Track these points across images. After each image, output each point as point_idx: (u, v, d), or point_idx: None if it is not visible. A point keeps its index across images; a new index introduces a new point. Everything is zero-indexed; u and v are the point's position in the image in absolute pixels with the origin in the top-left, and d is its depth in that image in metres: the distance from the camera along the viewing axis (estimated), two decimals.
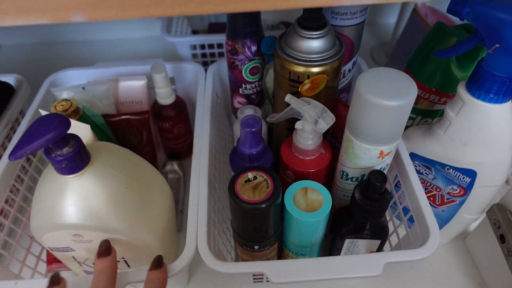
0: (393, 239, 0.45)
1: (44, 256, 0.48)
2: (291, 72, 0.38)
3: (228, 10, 0.25)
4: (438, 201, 0.45)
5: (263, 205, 0.33)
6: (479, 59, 0.35)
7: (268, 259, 0.41)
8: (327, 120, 0.35)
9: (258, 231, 0.37)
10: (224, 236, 0.45)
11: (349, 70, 0.49)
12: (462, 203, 0.43)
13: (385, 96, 0.31)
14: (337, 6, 0.41)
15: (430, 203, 0.38)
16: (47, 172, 0.35)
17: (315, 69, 0.37)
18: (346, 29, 0.43)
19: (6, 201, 0.44)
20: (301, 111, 0.36)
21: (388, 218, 0.43)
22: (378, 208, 0.36)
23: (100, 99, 0.53)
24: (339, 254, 0.42)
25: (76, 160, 0.31)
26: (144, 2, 0.22)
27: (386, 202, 0.36)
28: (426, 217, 0.37)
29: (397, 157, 0.43)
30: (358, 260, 0.34)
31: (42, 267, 0.47)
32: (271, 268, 0.34)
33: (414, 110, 0.49)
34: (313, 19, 0.36)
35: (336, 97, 0.44)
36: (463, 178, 0.40)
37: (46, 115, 0.30)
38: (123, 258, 0.39)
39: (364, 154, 0.36)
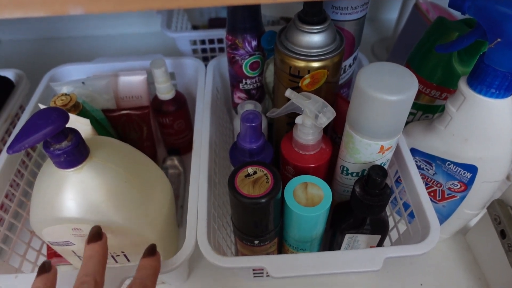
0: (394, 234, 0.45)
1: (44, 251, 0.48)
2: (291, 66, 0.38)
3: (227, 3, 0.25)
4: (439, 197, 0.45)
5: (263, 200, 0.33)
6: (481, 53, 0.34)
7: (268, 254, 0.41)
8: (328, 115, 0.35)
9: (258, 225, 0.37)
10: (224, 231, 0.45)
11: (350, 65, 0.48)
12: (462, 198, 0.43)
13: (385, 91, 0.31)
14: (338, 0, 0.41)
15: (430, 199, 0.38)
16: (46, 166, 0.35)
17: (316, 64, 0.37)
18: (346, 23, 0.43)
19: (6, 196, 0.44)
20: (302, 106, 0.36)
21: (388, 214, 0.43)
22: (379, 203, 0.35)
23: (100, 93, 0.53)
24: (339, 249, 0.42)
25: (75, 154, 0.31)
26: None
27: (387, 197, 0.36)
28: (426, 212, 0.37)
29: (397, 152, 0.43)
30: (358, 255, 0.34)
31: (42, 261, 0.47)
32: (271, 262, 0.34)
33: (415, 106, 0.49)
34: (314, 14, 0.36)
35: (337, 92, 0.44)
36: (464, 173, 0.40)
37: (44, 109, 0.30)
38: (122, 252, 0.39)
39: (365, 149, 0.36)
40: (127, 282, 0.37)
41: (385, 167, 0.39)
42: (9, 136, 0.53)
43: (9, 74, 0.58)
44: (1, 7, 0.21)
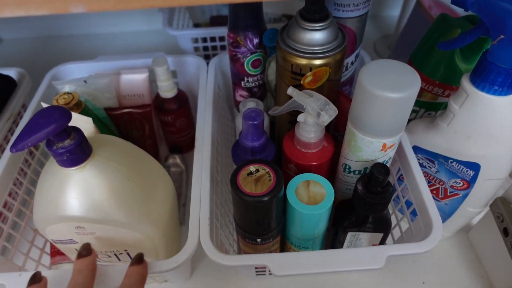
0: (396, 232, 0.45)
1: (47, 249, 0.48)
2: (293, 64, 0.38)
3: (229, 0, 0.25)
4: (441, 195, 0.45)
5: (266, 198, 0.33)
6: (484, 50, 0.34)
7: (270, 252, 0.41)
8: (330, 113, 0.35)
9: (260, 224, 0.37)
10: (227, 229, 0.45)
11: (352, 63, 0.48)
12: (465, 196, 0.43)
13: (388, 88, 0.31)
14: None
15: (433, 197, 0.38)
16: (49, 165, 0.35)
17: (318, 62, 0.37)
18: (348, 21, 0.43)
19: (9, 194, 0.44)
20: (304, 104, 0.36)
21: (390, 212, 0.43)
22: (381, 201, 0.35)
23: (102, 92, 0.53)
24: (341, 247, 0.42)
25: (77, 152, 0.31)
26: None
27: (389, 195, 0.35)
28: (429, 210, 0.37)
29: (400, 150, 0.42)
30: (360, 253, 0.34)
31: (46, 259, 0.47)
32: (274, 260, 0.34)
33: (418, 103, 0.48)
34: (316, 11, 0.36)
35: (339, 90, 0.43)
36: (467, 171, 0.40)
37: (47, 108, 0.30)
38: (125, 250, 0.39)
39: (367, 147, 0.36)
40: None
41: (388, 165, 0.39)
42: (12, 134, 0.53)
43: (12, 73, 0.58)
44: (3, 6, 0.21)
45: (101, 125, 0.49)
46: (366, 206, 0.36)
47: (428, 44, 0.45)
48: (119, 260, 0.41)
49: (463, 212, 0.45)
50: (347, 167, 0.40)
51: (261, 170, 0.35)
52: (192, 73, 0.60)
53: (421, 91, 0.47)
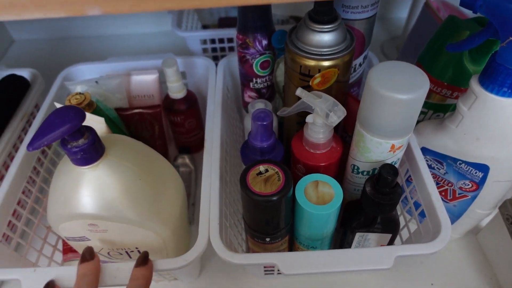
0: (404, 234, 0.45)
1: (60, 246, 0.49)
2: (302, 66, 0.38)
3: (240, 3, 0.25)
4: (450, 196, 0.45)
5: (275, 198, 0.33)
6: (493, 52, 0.34)
7: (279, 251, 0.42)
8: (338, 114, 0.35)
9: (269, 223, 0.37)
10: (235, 228, 0.45)
11: (360, 64, 0.48)
12: (474, 198, 0.43)
13: (397, 90, 0.31)
14: None
15: (441, 198, 0.38)
16: (63, 163, 0.36)
17: (326, 63, 0.37)
18: (357, 22, 0.43)
19: (23, 192, 0.45)
20: (312, 105, 0.36)
21: (399, 213, 0.43)
22: (389, 202, 0.36)
23: (113, 93, 0.54)
24: (349, 248, 0.42)
25: (91, 151, 0.32)
26: None
27: (398, 196, 0.36)
28: (437, 211, 0.37)
29: (408, 151, 0.43)
30: (369, 253, 0.35)
31: (58, 256, 0.48)
32: (283, 259, 0.34)
33: (426, 105, 0.49)
34: (324, 13, 0.36)
35: (347, 91, 0.44)
36: (476, 172, 0.40)
37: (61, 107, 0.31)
38: (136, 248, 0.39)
39: (376, 148, 0.36)
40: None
41: (396, 166, 0.39)
42: (25, 134, 0.55)
43: (25, 73, 0.60)
44: (23, 8, 0.22)
45: (112, 125, 0.50)
46: (374, 206, 0.36)
47: (437, 45, 0.45)
48: (130, 257, 0.41)
49: (471, 214, 0.45)
50: (356, 168, 0.40)
51: (270, 170, 0.35)
52: (201, 74, 0.61)
53: (430, 92, 0.47)
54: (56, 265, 0.47)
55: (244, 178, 0.34)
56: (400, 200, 0.45)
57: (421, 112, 0.49)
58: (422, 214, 0.40)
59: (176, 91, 0.54)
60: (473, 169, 0.40)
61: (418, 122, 0.41)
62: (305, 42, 0.37)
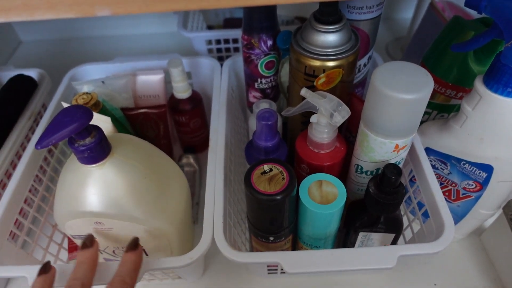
0: (408, 234, 0.45)
1: (65, 244, 0.50)
2: (306, 66, 0.39)
3: (245, 4, 0.26)
4: (454, 196, 0.45)
5: (279, 197, 0.33)
6: (497, 53, 0.34)
7: (282, 250, 0.42)
8: (343, 114, 0.36)
9: (273, 222, 0.37)
10: (239, 227, 0.45)
11: (365, 65, 0.49)
12: (478, 198, 0.43)
13: (401, 89, 0.31)
14: (354, 0, 0.41)
15: (445, 198, 0.38)
16: (70, 162, 0.36)
17: (331, 63, 0.38)
18: (362, 23, 0.43)
19: (29, 191, 0.45)
20: (317, 105, 0.37)
21: (402, 213, 0.44)
22: (393, 202, 0.36)
23: (119, 92, 0.54)
24: (353, 247, 0.43)
25: (98, 150, 0.32)
26: None
27: (401, 195, 0.36)
28: (441, 211, 0.37)
29: (412, 151, 0.43)
30: (372, 252, 0.35)
31: (63, 254, 0.49)
32: (286, 258, 0.35)
33: (430, 105, 0.49)
34: (329, 13, 0.37)
35: (351, 92, 0.44)
36: (479, 173, 0.40)
37: (69, 107, 0.31)
38: (141, 246, 0.40)
39: (379, 148, 0.37)
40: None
41: (400, 166, 0.40)
42: (32, 133, 0.55)
43: (32, 73, 0.60)
44: (35, 9, 0.22)
45: (118, 125, 0.50)
46: (378, 206, 0.37)
47: (441, 46, 0.46)
48: None
49: (475, 214, 0.45)
50: (359, 167, 0.40)
51: (274, 169, 0.35)
52: (206, 75, 0.61)
53: (434, 93, 0.47)
54: (61, 263, 0.48)
55: (249, 177, 0.35)
56: (404, 200, 0.45)
57: (425, 113, 0.49)
58: (426, 215, 0.40)
59: (182, 91, 0.55)
60: (477, 170, 0.40)
61: (422, 122, 0.41)
62: (310, 42, 0.38)
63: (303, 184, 0.37)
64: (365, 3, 0.42)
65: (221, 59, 0.73)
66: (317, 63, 0.38)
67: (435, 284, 0.48)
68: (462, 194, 0.44)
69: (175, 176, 0.41)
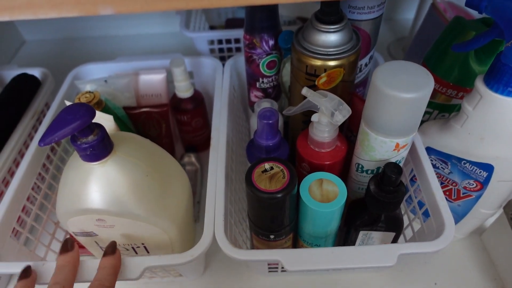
0: (408, 233, 0.45)
1: None
2: (308, 65, 0.39)
3: (248, 3, 0.26)
4: (454, 196, 0.45)
5: (280, 195, 0.33)
6: (498, 52, 0.34)
7: (283, 249, 0.42)
8: (344, 113, 0.36)
9: (274, 220, 0.38)
10: (240, 226, 0.46)
11: (366, 65, 0.49)
12: (478, 197, 0.43)
13: (401, 88, 0.32)
14: (355, 0, 0.42)
15: (446, 198, 0.38)
16: (72, 159, 0.37)
17: (332, 63, 0.38)
18: (363, 23, 0.44)
19: (32, 188, 0.46)
20: (318, 104, 0.37)
21: (403, 212, 0.44)
22: (393, 200, 0.36)
23: (122, 91, 0.55)
24: (353, 246, 0.43)
25: (100, 147, 0.33)
26: None
27: (401, 194, 0.36)
28: (441, 210, 0.37)
29: (413, 151, 0.43)
30: (372, 250, 0.35)
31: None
32: (287, 256, 0.35)
33: (431, 105, 0.49)
34: (331, 13, 0.37)
35: (352, 91, 0.44)
36: (480, 172, 0.40)
37: (72, 105, 0.31)
38: (142, 244, 0.40)
39: (380, 147, 0.37)
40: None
41: (400, 165, 0.40)
42: (35, 132, 0.56)
43: (36, 72, 0.61)
44: (38, 7, 0.22)
45: (120, 123, 0.51)
46: (378, 205, 0.37)
47: (442, 46, 0.46)
48: (136, 253, 0.42)
49: (476, 213, 0.45)
50: (360, 166, 0.41)
51: (275, 167, 0.36)
52: (208, 74, 0.61)
53: (435, 92, 0.47)
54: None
55: (250, 175, 0.35)
56: (404, 199, 0.45)
57: (426, 112, 0.50)
58: (426, 214, 0.40)
59: (184, 90, 0.55)
60: (478, 169, 0.40)
61: (423, 122, 0.41)
62: (311, 42, 0.38)
63: (304, 182, 0.37)
64: (366, 3, 0.42)
65: (223, 59, 0.74)
66: (318, 62, 0.38)
67: (435, 284, 0.48)
68: (463, 193, 0.44)
69: (177, 174, 0.42)
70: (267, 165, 0.36)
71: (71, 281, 0.32)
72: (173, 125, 0.62)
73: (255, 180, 0.35)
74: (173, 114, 0.60)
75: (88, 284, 0.32)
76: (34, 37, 0.96)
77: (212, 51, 0.74)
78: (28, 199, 0.45)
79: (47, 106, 0.60)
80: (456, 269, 0.49)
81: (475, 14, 0.48)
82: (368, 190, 0.37)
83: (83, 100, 0.47)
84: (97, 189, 0.35)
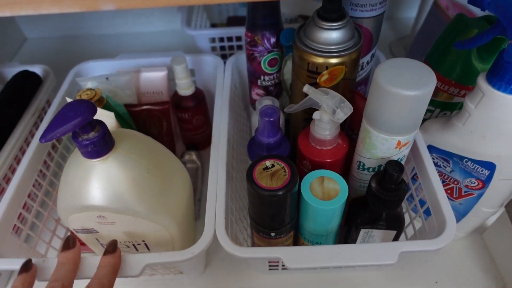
0: (409, 231, 0.45)
1: None
2: (309, 63, 0.39)
3: None
4: (456, 194, 0.45)
5: (281, 192, 0.33)
6: (500, 50, 0.34)
7: (284, 246, 0.42)
8: (345, 110, 0.36)
9: (275, 218, 0.37)
10: (241, 224, 0.46)
11: (368, 62, 0.49)
12: (480, 196, 0.43)
13: (403, 86, 0.31)
14: None
15: (447, 196, 0.38)
16: (73, 156, 0.37)
17: (334, 60, 0.38)
18: (365, 20, 0.43)
19: (33, 185, 0.46)
20: (319, 101, 0.37)
21: (404, 210, 0.44)
22: (395, 198, 0.36)
23: (123, 89, 0.55)
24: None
25: (101, 144, 0.33)
26: None
27: (403, 192, 0.36)
28: (442, 208, 0.37)
29: (414, 149, 0.43)
30: (373, 248, 0.35)
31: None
32: (287, 253, 0.35)
33: (433, 103, 0.49)
34: (332, 11, 0.37)
35: (354, 89, 0.44)
36: (482, 170, 0.40)
37: (73, 101, 0.31)
38: (143, 241, 0.40)
39: (381, 145, 0.37)
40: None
41: (402, 162, 0.40)
42: (36, 129, 0.56)
43: (37, 69, 0.61)
44: (40, 3, 0.22)
45: (121, 121, 0.51)
46: (379, 203, 0.37)
47: (445, 43, 0.45)
48: (137, 250, 0.42)
49: (477, 212, 0.45)
50: (361, 164, 0.41)
51: (276, 165, 0.35)
52: (209, 72, 0.61)
53: (437, 90, 0.47)
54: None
55: (251, 173, 0.35)
56: (406, 198, 0.45)
57: (428, 110, 0.49)
58: (427, 212, 0.40)
59: (185, 88, 0.55)
60: (480, 167, 0.40)
61: (425, 120, 0.41)
62: (313, 39, 0.38)
63: (305, 180, 0.37)
64: (368, 1, 0.42)
65: (224, 57, 0.73)
66: (320, 60, 0.38)
67: (436, 282, 0.48)
68: (464, 191, 0.44)
69: (177, 171, 0.42)
70: (268, 163, 0.36)
71: (71, 279, 0.33)
72: (174, 123, 0.62)
73: (256, 178, 0.34)
74: (174, 112, 0.60)
75: (88, 281, 0.32)
76: (35, 34, 0.96)
77: (213, 49, 0.74)
78: (29, 195, 0.45)
79: (49, 103, 0.60)
80: (457, 268, 0.49)
81: (477, 11, 0.48)
82: (370, 188, 0.37)
83: (84, 97, 0.47)
84: (98, 186, 0.35)
